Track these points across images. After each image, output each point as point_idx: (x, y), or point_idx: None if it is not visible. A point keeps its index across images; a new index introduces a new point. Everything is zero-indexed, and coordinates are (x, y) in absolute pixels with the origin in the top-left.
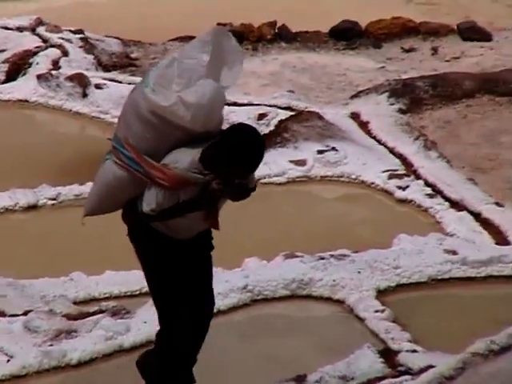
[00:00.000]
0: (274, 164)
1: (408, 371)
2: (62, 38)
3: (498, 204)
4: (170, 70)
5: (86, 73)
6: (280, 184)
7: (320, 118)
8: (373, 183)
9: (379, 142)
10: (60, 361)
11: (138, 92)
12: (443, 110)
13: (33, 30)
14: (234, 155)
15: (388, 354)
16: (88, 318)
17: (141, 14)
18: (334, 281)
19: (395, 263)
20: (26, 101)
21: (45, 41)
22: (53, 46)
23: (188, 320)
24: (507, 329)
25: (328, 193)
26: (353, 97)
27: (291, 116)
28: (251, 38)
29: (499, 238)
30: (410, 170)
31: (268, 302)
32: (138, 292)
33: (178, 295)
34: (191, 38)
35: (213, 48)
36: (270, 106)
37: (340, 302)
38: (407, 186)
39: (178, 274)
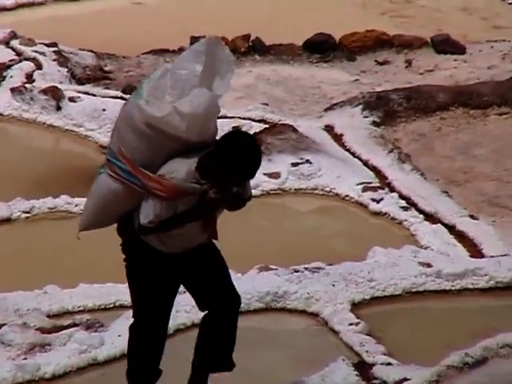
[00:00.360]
0: None
1: None
2: (36, 51)
3: (472, 217)
4: (163, 80)
5: (59, 86)
6: (254, 197)
7: (294, 130)
8: (347, 196)
9: (353, 154)
10: (34, 374)
11: (131, 104)
12: (417, 123)
13: (7, 43)
14: (230, 161)
15: (363, 367)
16: (62, 332)
17: (115, 28)
18: (308, 294)
19: (370, 276)
20: (0, 114)
21: (19, 54)
22: (27, 59)
23: (147, 329)
24: (482, 342)
25: (302, 205)
26: (327, 109)
27: (265, 129)
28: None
29: (473, 250)
30: (385, 183)
31: (242, 315)
32: (112, 305)
33: (151, 305)
34: (165, 51)
35: (206, 58)
36: (244, 118)
37: (314, 314)
38: (381, 199)
39: (161, 288)
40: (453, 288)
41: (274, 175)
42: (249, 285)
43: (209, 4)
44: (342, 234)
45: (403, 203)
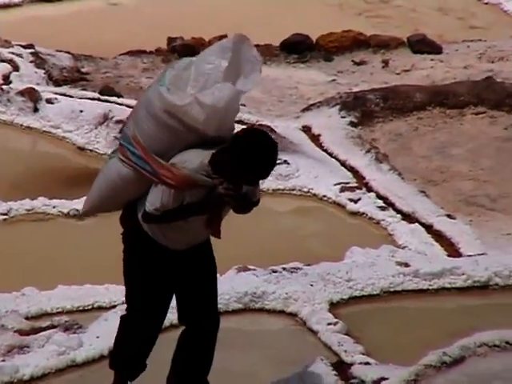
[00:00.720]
0: None
1: None
2: (13, 53)
3: (449, 216)
4: (187, 72)
5: (36, 87)
6: None
7: (271, 131)
8: (325, 196)
9: (331, 154)
10: (12, 376)
11: (152, 90)
12: (394, 123)
13: None
14: (245, 158)
15: (341, 367)
16: (40, 334)
17: (92, 29)
18: (286, 294)
19: (348, 276)
20: None
21: None
22: (3, 60)
23: (138, 322)
24: (459, 341)
25: (280, 206)
26: (304, 110)
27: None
28: (202, 51)
29: (451, 249)
30: (362, 183)
31: (221, 316)
32: (90, 307)
33: (146, 300)
34: (142, 52)
35: (232, 55)
36: None
37: (293, 314)
38: (359, 199)
39: (157, 282)
40: (430, 287)
41: None
42: (227, 285)
43: (185, 5)
44: (319, 234)
45: (381, 203)
